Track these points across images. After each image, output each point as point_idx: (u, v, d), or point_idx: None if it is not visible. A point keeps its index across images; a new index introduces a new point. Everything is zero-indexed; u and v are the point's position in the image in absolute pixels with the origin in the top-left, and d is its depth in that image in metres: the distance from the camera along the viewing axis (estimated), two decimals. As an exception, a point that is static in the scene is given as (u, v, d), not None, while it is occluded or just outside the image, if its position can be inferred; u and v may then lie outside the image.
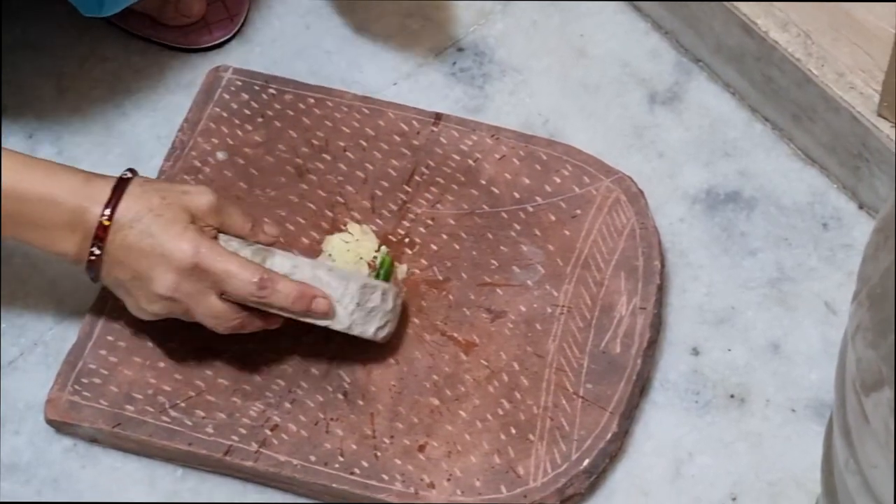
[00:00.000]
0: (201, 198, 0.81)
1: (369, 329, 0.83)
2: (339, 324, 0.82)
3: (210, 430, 0.85)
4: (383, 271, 0.87)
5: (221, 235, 0.82)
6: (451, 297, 0.90)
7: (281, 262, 0.82)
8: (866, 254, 0.60)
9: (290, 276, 0.81)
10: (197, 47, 1.05)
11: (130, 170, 0.83)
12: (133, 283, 0.81)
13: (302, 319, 0.82)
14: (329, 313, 0.82)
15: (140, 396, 0.86)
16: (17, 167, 0.80)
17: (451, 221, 0.93)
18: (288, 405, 0.86)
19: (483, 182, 0.94)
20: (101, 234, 0.80)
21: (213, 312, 0.81)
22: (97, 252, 0.80)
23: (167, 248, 0.79)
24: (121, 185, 0.81)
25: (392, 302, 0.84)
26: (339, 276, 0.82)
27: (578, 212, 0.92)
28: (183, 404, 0.86)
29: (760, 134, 1.00)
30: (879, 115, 0.91)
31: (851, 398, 0.59)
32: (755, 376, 0.90)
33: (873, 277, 0.58)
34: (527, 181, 0.94)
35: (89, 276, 0.82)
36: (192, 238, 0.80)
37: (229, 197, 0.94)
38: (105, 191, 0.80)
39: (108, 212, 0.79)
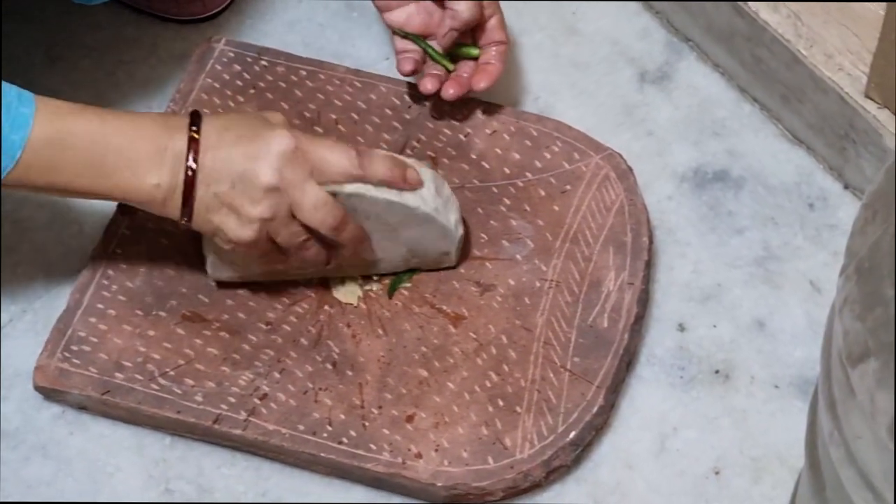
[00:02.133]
0: (276, 116, 0.82)
1: (451, 217, 0.85)
2: (427, 205, 0.84)
3: (199, 398, 0.85)
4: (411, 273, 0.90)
5: None
6: (440, 269, 0.90)
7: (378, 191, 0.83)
8: (854, 228, 0.61)
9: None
10: (189, 18, 1.04)
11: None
12: (234, 191, 0.79)
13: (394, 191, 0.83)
14: (420, 184, 0.83)
15: (129, 364, 0.87)
16: (89, 111, 0.78)
17: (442, 195, 0.93)
18: (277, 375, 0.86)
19: (474, 157, 0.95)
20: (195, 147, 0.78)
21: (318, 201, 0.80)
22: (193, 166, 0.78)
23: (265, 137, 0.79)
24: (195, 113, 0.80)
25: (458, 205, 0.87)
26: (413, 164, 0.85)
27: (568, 187, 0.93)
28: (172, 373, 0.86)
29: (749, 114, 1.01)
30: (867, 96, 0.92)
31: (837, 371, 0.60)
32: (740, 353, 0.91)
33: (861, 251, 0.59)
34: (517, 156, 0.94)
35: (182, 210, 0.79)
36: (284, 124, 0.81)
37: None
38: (183, 118, 0.80)
39: (194, 128, 0.79)
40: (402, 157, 0.85)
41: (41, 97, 0.78)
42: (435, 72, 0.93)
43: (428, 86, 0.92)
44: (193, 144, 0.78)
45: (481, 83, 0.92)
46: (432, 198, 0.84)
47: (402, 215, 0.84)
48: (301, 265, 0.86)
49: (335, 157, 0.80)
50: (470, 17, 0.91)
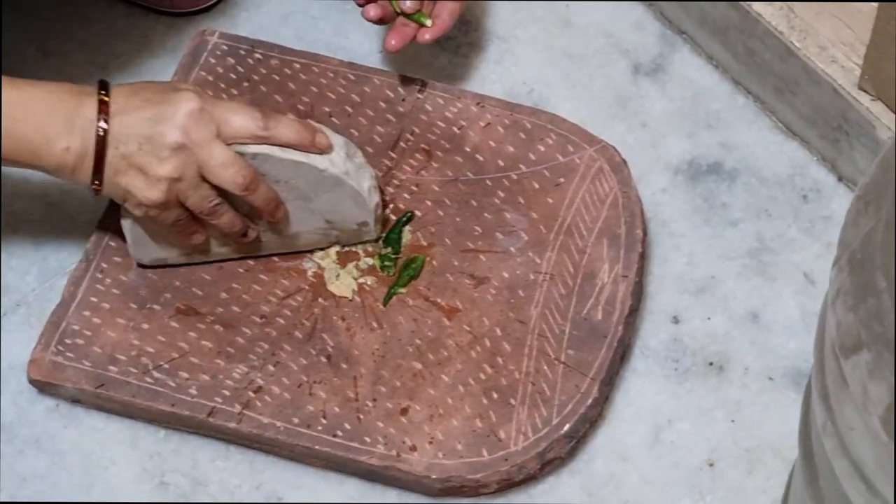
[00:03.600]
0: (184, 83, 0.84)
1: (364, 183, 0.85)
2: (336, 167, 0.84)
3: (193, 391, 0.85)
4: (415, 268, 0.89)
5: None
6: (434, 262, 0.90)
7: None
8: (847, 220, 0.61)
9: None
10: (182, 11, 1.04)
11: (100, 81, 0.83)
12: (141, 151, 0.80)
13: (304, 153, 0.83)
14: (330, 148, 0.84)
15: (123, 357, 0.87)
16: (4, 85, 0.79)
17: (436, 188, 0.93)
18: (271, 368, 0.86)
19: (468, 149, 0.95)
20: (104, 110, 0.79)
21: (226, 160, 0.81)
22: (104, 126, 0.79)
23: (171, 99, 0.80)
24: (102, 81, 0.81)
25: (374, 175, 0.87)
26: (326, 131, 0.85)
27: (562, 180, 0.93)
28: (166, 366, 0.86)
29: (743, 106, 1.01)
30: (860, 88, 0.92)
31: (830, 362, 0.60)
32: (734, 345, 0.91)
33: (853, 243, 0.59)
34: (511, 149, 0.94)
35: (92, 176, 0.80)
36: (191, 88, 0.82)
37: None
38: (92, 85, 0.81)
39: (103, 92, 0.80)
40: (313, 123, 0.85)
41: None
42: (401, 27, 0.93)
43: (392, 42, 0.92)
44: (103, 107, 0.80)
45: (426, 35, 0.92)
46: (342, 161, 0.85)
47: (311, 179, 0.84)
48: (221, 238, 0.86)
49: (240, 117, 0.82)
50: None
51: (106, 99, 0.80)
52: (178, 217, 0.83)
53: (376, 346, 0.87)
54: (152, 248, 0.87)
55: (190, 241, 0.86)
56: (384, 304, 0.88)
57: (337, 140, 0.85)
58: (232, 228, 0.85)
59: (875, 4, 0.87)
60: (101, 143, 0.80)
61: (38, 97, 0.80)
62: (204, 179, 0.82)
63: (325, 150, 0.84)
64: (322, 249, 0.90)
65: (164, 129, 0.80)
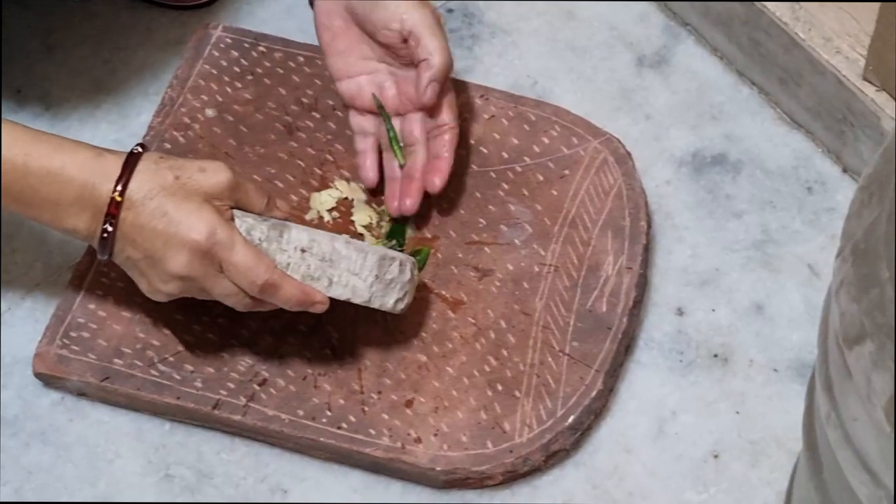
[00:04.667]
0: (217, 175, 0.79)
1: (388, 301, 0.82)
2: (358, 297, 0.81)
3: (198, 384, 0.86)
4: (420, 260, 0.88)
5: (236, 211, 0.80)
6: (439, 254, 0.90)
7: (298, 235, 0.80)
8: (850, 211, 0.61)
9: (308, 249, 0.80)
10: (186, 4, 1.04)
11: (141, 145, 0.80)
12: (146, 263, 0.79)
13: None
14: (325, 304, 0.80)
15: (128, 350, 0.87)
16: (23, 141, 0.78)
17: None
18: (276, 360, 0.87)
19: (472, 142, 0.95)
20: (113, 211, 0.77)
21: (228, 292, 0.79)
22: (109, 229, 0.78)
23: (181, 228, 0.77)
24: (132, 161, 0.78)
25: (410, 273, 0.83)
26: (357, 249, 0.81)
27: (566, 172, 0.93)
28: (171, 359, 0.87)
29: (747, 98, 1.01)
30: (865, 79, 0.92)
31: (834, 352, 0.60)
32: (738, 337, 0.91)
33: (857, 234, 0.59)
34: (515, 141, 0.94)
35: (100, 255, 0.80)
36: (207, 219, 0.77)
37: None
38: (116, 166, 0.78)
39: (119, 188, 0.77)
40: (349, 244, 0.81)
41: None
42: (398, 179, 0.89)
43: (408, 203, 0.88)
44: (112, 208, 0.77)
45: (436, 182, 0.87)
46: (367, 288, 0.81)
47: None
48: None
49: (243, 277, 0.78)
50: (443, 62, 0.85)
51: (119, 199, 0.77)
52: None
53: (381, 338, 0.87)
54: None
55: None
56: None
57: (370, 261, 0.81)
58: (295, 302, 0.80)
59: (879, -5, 0.87)
60: (105, 241, 0.78)
61: (54, 164, 0.77)
62: (207, 293, 0.80)
63: (322, 308, 0.80)
64: None
65: (168, 257, 0.77)
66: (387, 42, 0.87)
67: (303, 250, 0.80)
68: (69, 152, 0.78)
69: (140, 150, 0.79)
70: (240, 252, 0.78)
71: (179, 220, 0.77)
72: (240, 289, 0.79)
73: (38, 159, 0.77)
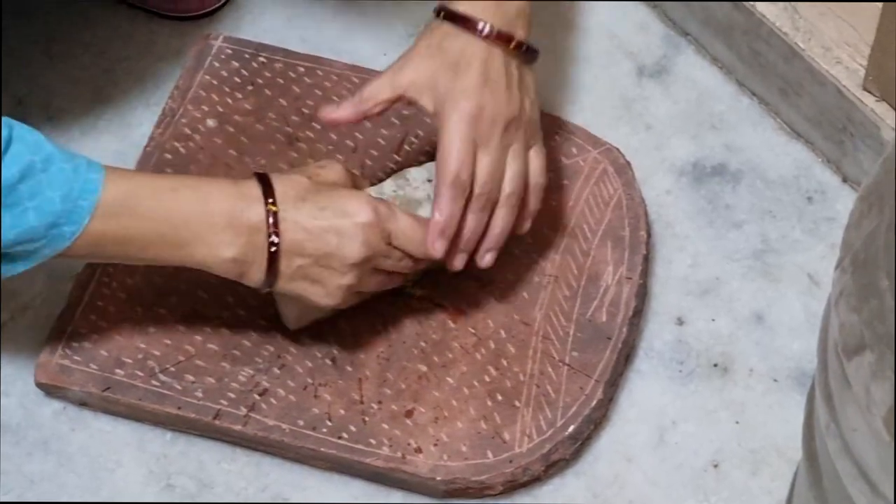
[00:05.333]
0: (334, 167, 0.81)
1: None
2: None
3: (199, 394, 0.86)
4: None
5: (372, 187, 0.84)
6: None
7: (417, 172, 0.85)
8: (850, 221, 0.61)
9: (432, 177, 0.83)
10: (186, 15, 1.05)
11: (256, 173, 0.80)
12: (318, 265, 0.78)
13: None
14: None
15: (130, 360, 0.87)
16: (163, 181, 0.78)
17: (440, 190, 0.93)
18: (277, 370, 0.87)
19: (472, 152, 0.95)
20: (274, 222, 0.76)
21: (398, 259, 0.80)
22: (276, 241, 0.76)
23: (347, 216, 0.77)
24: (264, 177, 0.78)
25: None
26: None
27: (566, 182, 0.93)
28: (172, 369, 0.87)
29: (747, 108, 1.01)
30: (865, 89, 0.92)
31: (833, 363, 0.60)
32: (738, 346, 0.91)
33: (856, 244, 0.59)
34: (515, 151, 0.95)
35: (264, 281, 0.77)
36: (363, 198, 0.79)
37: (220, 165, 0.94)
38: (253, 185, 0.77)
39: (270, 200, 0.76)
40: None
41: (111, 166, 0.76)
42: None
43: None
44: (272, 218, 0.76)
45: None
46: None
47: None
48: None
49: (411, 234, 0.80)
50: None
51: (274, 209, 0.76)
52: (351, 299, 0.81)
53: (381, 348, 0.87)
54: (310, 315, 0.85)
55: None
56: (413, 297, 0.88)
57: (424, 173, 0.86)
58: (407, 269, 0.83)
59: (879, 5, 0.87)
60: (274, 257, 0.77)
61: (199, 202, 0.76)
62: (378, 269, 0.80)
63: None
64: None
65: (344, 246, 0.77)
66: None
67: (429, 180, 0.84)
68: (207, 182, 0.78)
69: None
70: (402, 217, 0.80)
71: (342, 209, 0.78)
72: (406, 254, 0.80)
73: (184, 190, 0.77)
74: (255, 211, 0.77)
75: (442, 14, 0.82)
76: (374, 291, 0.83)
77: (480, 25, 0.81)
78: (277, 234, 0.77)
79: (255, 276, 0.78)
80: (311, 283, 0.79)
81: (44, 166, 0.73)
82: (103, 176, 0.75)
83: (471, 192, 0.81)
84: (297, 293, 0.80)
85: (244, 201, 0.77)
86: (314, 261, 0.78)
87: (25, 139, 0.73)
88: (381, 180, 0.88)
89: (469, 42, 0.81)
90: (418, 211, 0.84)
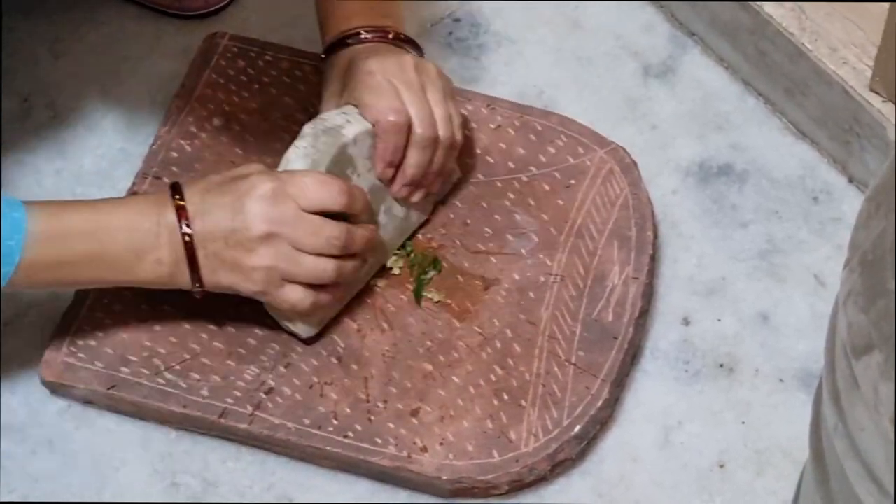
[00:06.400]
0: (251, 165, 0.83)
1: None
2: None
3: (205, 392, 0.86)
4: (428, 267, 0.90)
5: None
6: (444, 264, 0.90)
7: (328, 112, 0.86)
8: (858, 221, 0.61)
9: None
10: (192, 13, 1.05)
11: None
12: (228, 247, 0.79)
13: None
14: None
15: (135, 359, 0.87)
16: (82, 209, 0.80)
17: (446, 190, 0.93)
18: (282, 369, 0.87)
19: (478, 151, 0.95)
20: (184, 214, 0.79)
21: (313, 228, 0.79)
22: (188, 231, 0.79)
23: (244, 188, 0.79)
24: (174, 184, 0.81)
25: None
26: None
27: (572, 182, 0.93)
28: (178, 367, 0.87)
29: (753, 108, 1.01)
30: (871, 89, 0.92)
31: (841, 362, 0.60)
32: (744, 346, 0.91)
33: (865, 244, 0.59)
34: (521, 151, 0.95)
35: (191, 279, 0.80)
36: (260, 170, 0.81)
37: (225, 163, 0.94)
38: (164, 192, 0.80)
39: (178, 196, 0.79)
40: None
41: (29, 201, 0.79)
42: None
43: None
44: (182, 212, 0.79)
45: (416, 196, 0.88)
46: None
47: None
48: (352, 275, 0.84)
49: (315, 186, 0.80)
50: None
51: (182, 203, 0.79)
52: (304, 296, 0.81)
53: (387, 347, 0.87)
54: (307, 320, 0.85)
55: (333, 295, 0.84)
56: (418, 303, 0.88)
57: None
58: (356, 270, 0.84)
59: (886, 6, 0.87)
60: (190, 247, 0.79)
61: (118, 216, 0.79)
62: (301, 251, 0.80)
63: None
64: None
65: (245, 220, 0.78)
66: None
67: (343, 113, 0.85)
68: (122, 199, 0.82)
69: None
70: (304, 175, 0.80)
71: (241, 187, 0.79)
72: (326, 223, 0.80)
73: (104, 206, 0.80)
74: (169, 211, 0.79)
75: (324, 55, 0.89)
76: (318, 279, 0.81)
77: (356, 37, 0.87)
78: (188, 225, 0.79)
79: (183, 275, 0.80)
80: (231, 271, 0.80)
81: None
82: (24, 212, 0.77)
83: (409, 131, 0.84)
84: (224, 285, 0.81)
85: (158, 206, 0.80)
86: (223, 243, 0.79)
87: None
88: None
89: (351, 50, 0.87)
90: (341, 131, 0.84)
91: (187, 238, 0.79)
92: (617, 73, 1.02)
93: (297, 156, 0.83)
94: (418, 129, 0.84)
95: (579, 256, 0.90)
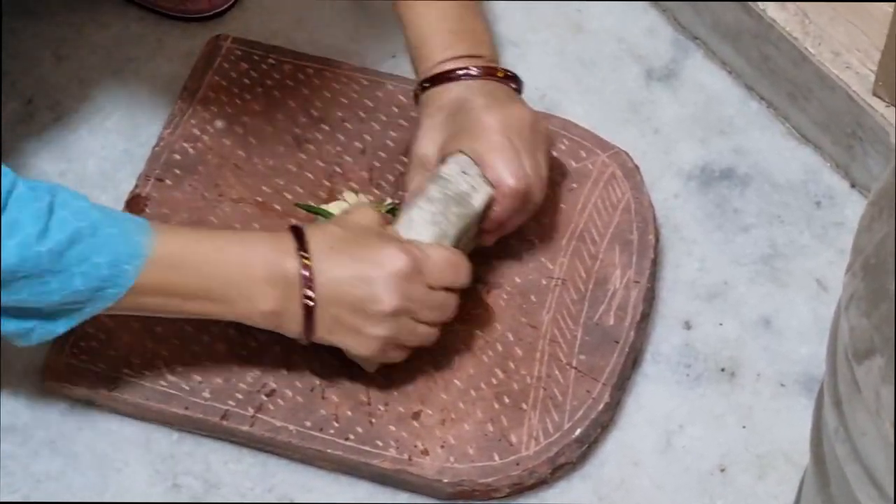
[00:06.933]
0: (366, 212, 0.81)
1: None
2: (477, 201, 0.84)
3: (207, 394, 0.86)
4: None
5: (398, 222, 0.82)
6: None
7: (448, 168, 0.83)
8: (861, 226, 0.61)
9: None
10: (196, 16, 1.05)
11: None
12: (354, 315, 0.78)
13: None
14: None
15: (137, 360, 0.87)
16: (205, 237, 0.79)
17: (448, 193, 0.93)
18: (284, 371, 0.87)
19: (480, 154, 0.95)
20: (309, 275, 0.77)
21: (438, 302, 0.79)
22: (311, 295, 0.77)
23: (377, 258, 0.78)
24: (296, 228, 0.79)
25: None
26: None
27: (574, 185, 0.93)
28: (180, 369, 0.87)
29: (756, 112, 1.01)
30: (874, 94, 0.92)
31: (843, 367, 0.60)
32: (746, 351, 0.91)
33: (867, 249, 0.59)
34: (524, 154, 0.95)
35: (304, 333, 0.79)
36: (394, 243, 0.79)
37: (228, 166, 0.94)
38: (287, 236, 0.79)
39: (304, 253, 0.77)
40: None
41: (157, 223, 0.78)
42: None
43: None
44: (307, 271, 0.77)
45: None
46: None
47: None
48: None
49: (444, 265, 0.80)
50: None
51: (308, 262, 0.77)
52: (401, 354, 0.82)
53: (389, 350, 0.87)
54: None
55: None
56: None
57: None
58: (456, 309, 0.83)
59: (890, 10, 0.87)
60: (309, 311, 0.78)
61: (238, 257, 0.78)
62: (419, 321, 0.80)
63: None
64: None
65: (375, 295, 0.77)
66: None
67: (464, 172, 0.83)
68: (245, 236, 0.81)
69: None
70: (433, 250, 0.80)
71: (374, 259, 0.78)
72: (449, 290, 0.80)
73: (225, 245, 0.78)
74: (291, 264, 0.77)
75: (424, 85, 0.86)
76: (423, 344, 0.82)
77: (464, 70, 0.85)
78: (312, 288, 0.77)
79: (292, 327, 0.79)
80: (348, 333, 0.79)
81: (91, 231, 0.74)
82: (150, 237, 0.76)
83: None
84: (335, 343, 0.80)
85: (280, 255, 0.78)
86: (349, 310, 0.78)
87: (70, 205, 0.74)
88: (390, 185, 0.88)
89: (459, 85, 0.85)
90: (470, 201, 0.83)
91: (310, 302, 0.78)
92: (619, 77, 1.02)
93: (423, 220, 0.82)
94: (534, 197, 0.84)
95: (581, 260, 0.90)
